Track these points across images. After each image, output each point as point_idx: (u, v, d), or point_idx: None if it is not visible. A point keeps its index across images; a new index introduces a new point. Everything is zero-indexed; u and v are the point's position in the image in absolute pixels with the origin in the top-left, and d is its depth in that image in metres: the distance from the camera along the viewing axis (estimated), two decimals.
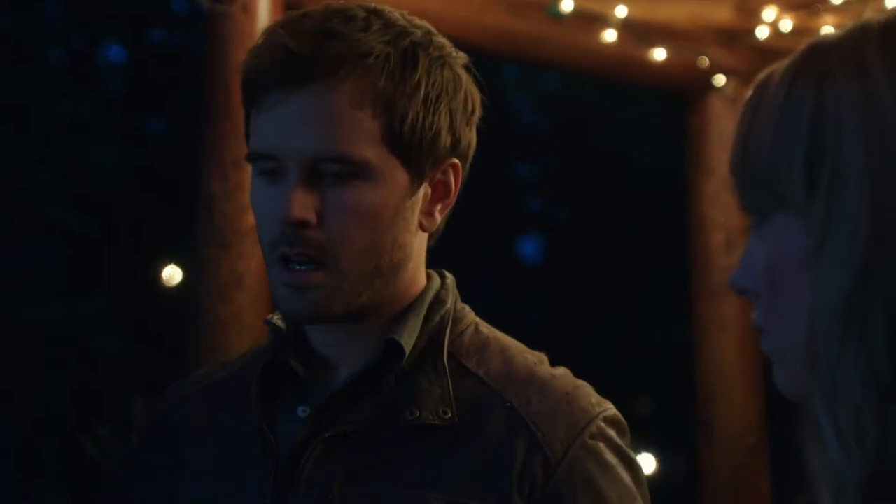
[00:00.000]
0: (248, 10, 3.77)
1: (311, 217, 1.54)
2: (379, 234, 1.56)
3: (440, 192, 1.62)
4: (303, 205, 1.53)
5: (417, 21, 1.60)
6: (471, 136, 1.63)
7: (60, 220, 9.18)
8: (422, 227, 1.62)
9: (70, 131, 9.10)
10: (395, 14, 1.59)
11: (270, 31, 1.58)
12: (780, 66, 1.10)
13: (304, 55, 1.53)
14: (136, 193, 9.51)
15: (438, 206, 1.63)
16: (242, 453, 1.62)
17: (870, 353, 1.00)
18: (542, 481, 1.54)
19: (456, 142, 1.60)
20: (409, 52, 1.56)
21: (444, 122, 1.58)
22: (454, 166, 1.62)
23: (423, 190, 1.60)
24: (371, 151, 1.54)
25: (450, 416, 1.57)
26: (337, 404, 1.60)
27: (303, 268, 1.55)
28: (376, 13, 1.58)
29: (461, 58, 1.62)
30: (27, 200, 8.91)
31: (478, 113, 1.63)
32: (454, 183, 1.63)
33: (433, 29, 1.62)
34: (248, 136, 1.61)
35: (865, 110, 1.03)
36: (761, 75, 1.11)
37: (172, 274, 3.68)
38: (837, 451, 1.01)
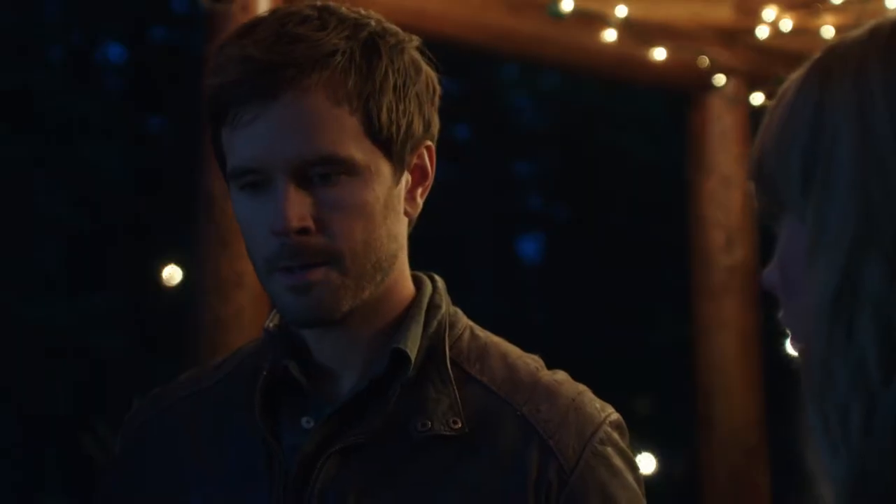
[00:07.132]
0: (248, 9, 3.77)
1: (309, 223, 1.52)
2: (375, 228, 1.56)
3: (418, 176, 1.63)
4: (299, 213, 1.52)
5: (365, 11, 1.61)
6: (436, 118, 1.64)
7: (60, 219, 9.18)
8: (406, 214, 1.62)
9: (70, 130, 9.10)
10: (343, 8, 1.59)
11: (227, 45, 1.56)
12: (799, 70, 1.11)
13: (271, 64, 1.52)
14: (136, 192, 9.51)
15: (419, 191, 1.63)
16: (246, 463, 1.61)
17: (858, 353, 1.01)
18: (557, 489, 1.55)
19: (427, 124, 1.61)
20: (369, 44, 1.56)
21: (414, 106, 1.58)
22: (428, 149, 1.63)
23: (405, 177, 1.61)
24: (355, 148, 1.54)
25: (460, 425, 1.57)
26: (343, 416, 1.59)
27: (304, 271, 1.54)
28: (326, 10, 1.58)
29: (414, 41, 1.62)
30: (27, 199, 8.91)
31: (438, 93, 1.64)
32: (430, 165, 1.64)
33: (382, 17, 1.62)
34: (219, 156, 1.60)
35: (858, 118, 1.04)
36: (786, 81, 1.12)
37: (172, 273, 3.68)
38: (826, 449, 1.02)
